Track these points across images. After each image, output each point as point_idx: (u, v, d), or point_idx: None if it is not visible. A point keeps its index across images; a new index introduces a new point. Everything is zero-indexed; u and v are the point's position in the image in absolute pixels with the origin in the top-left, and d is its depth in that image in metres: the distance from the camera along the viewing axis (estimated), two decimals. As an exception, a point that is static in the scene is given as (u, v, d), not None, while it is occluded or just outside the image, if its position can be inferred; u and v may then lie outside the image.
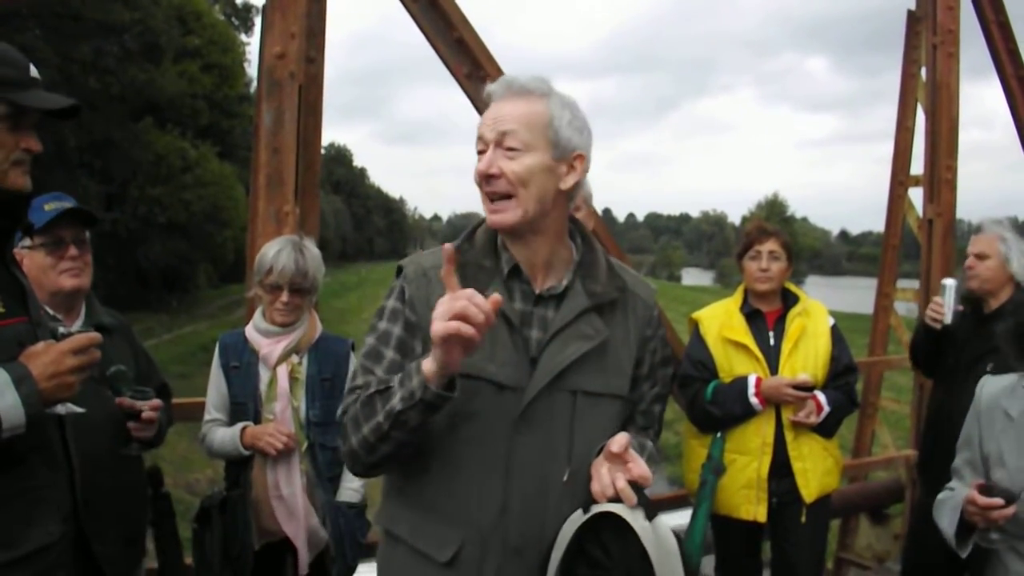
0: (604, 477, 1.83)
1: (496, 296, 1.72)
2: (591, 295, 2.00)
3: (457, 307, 1.68)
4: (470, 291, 1.71)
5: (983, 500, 2.35)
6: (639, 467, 1.84)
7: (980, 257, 3.94)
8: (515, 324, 1.95)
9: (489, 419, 1.92)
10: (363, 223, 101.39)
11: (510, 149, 1.90)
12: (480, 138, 1.95)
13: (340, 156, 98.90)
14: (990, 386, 2.62)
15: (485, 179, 1.92)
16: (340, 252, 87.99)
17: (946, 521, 2.56)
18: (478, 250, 2.01)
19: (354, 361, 3.39)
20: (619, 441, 1.85)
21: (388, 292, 2.08)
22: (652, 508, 1.80)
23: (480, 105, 4.09)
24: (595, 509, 1.81)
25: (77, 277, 2.70)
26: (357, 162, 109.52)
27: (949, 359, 4.04)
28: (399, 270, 2.08)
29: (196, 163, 33.97)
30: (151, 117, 32.49)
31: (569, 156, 1.94)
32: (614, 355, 2.03)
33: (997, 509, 2.34)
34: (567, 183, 1.96)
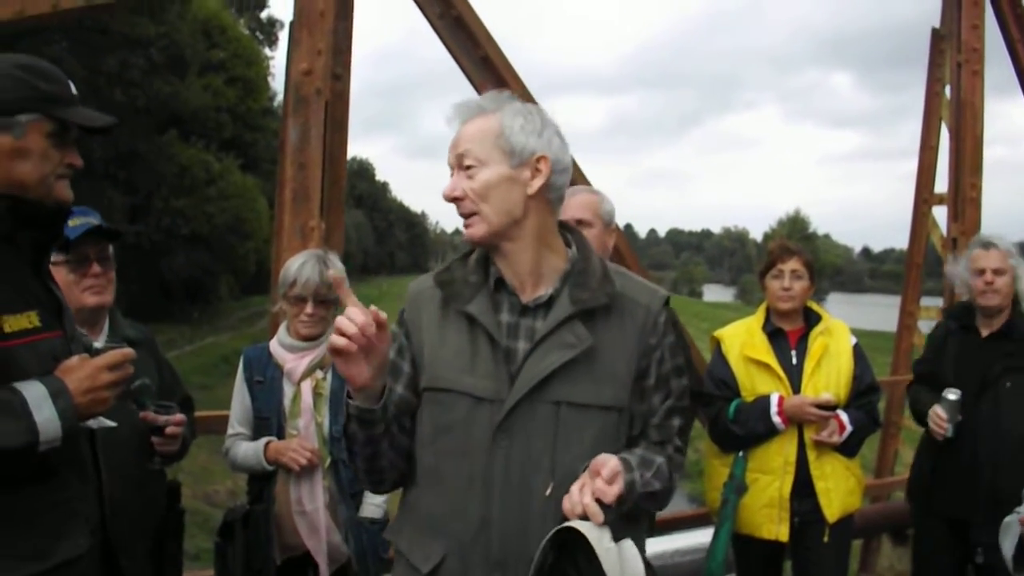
0: (574, 494, 1.78)
1: (375, 310, 1.80)
2: (575, 302, 1.97)
3: (336, 321, 1.79)
4: (353, 308, 1.80)
5: None
6: (601, 484, 1.78)
7: (998, 272, 3.85)
8: (495, 336, 1.95)
9: (468, 431, 1.95)
10: (385, 237, 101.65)
11: (468, 168, 1.95)
12: (449, 164, 2.01)
13: (362, 170, 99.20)
14: None
15: (452, 202, 1.99)
16: (362, 266, 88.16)
17: (1008, 544, 2.50)
18: (470, 267, 2.05)
19: None
20: (600, 459, 1.83)
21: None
22: (621, 529, 1.77)
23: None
24: (562, 526, 1.77)
25: (100, 295, 2.71)
26: (379, 176, 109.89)
27: (942, 375, 3.96)
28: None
29: (219, 175, 34.16)
30: (175, 130, 32.72)
31: (529, 160, 1.95)
32: (605, 364, 1.97)
33: None
34: (533, 187, 1.96)
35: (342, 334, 1.77)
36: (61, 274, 2.65)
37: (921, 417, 3.96)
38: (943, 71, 6.54)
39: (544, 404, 1.93)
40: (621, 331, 2.01)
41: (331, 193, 3.73)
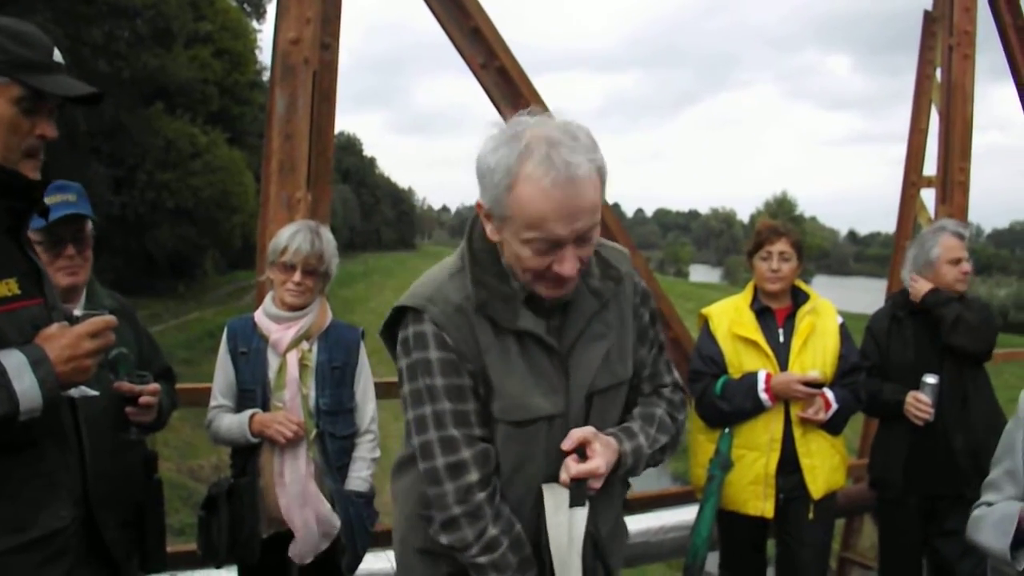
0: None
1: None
2: (596, 294, 1.97)
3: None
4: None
5: None
6: (570, 461, 1.88)
7: (968, 260, 3.98)
8: (552, 344, 1.92)
9: (547, 451, 1.93)
10: (371, 213, 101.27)
11: (587, 241, 1.80)
12: (545, 239, 1.75)
13: (349, 145, 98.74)
14: None
15: (561, 276, 1.80)
16: (348, 241, 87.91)
17: (991, 536, 2.47)
18: (492, 275, 1.91)
19: (364, 350, 3.39)
20: (573, 437, 1.89)
21: (414, 342, 1.92)
22: (582, 495, 1.87)
23: (494, 95, 4.10)
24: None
25: (73, 276, 2.67)
26: (367, 151, 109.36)
27: (900, 359, 4.04)
28: (411, 312, 1.93)
29: (206, 149, 33.99)
30: (161, 102, 32.50)
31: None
32: (617, 344, 2.01)
33: None
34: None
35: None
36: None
37: (887, 408, 4.01)
38: (934, 54, 6.51)
39: (583, 401, 1.97)
40: (621, 307, 2.04)
41: (318, 164, 3.69)
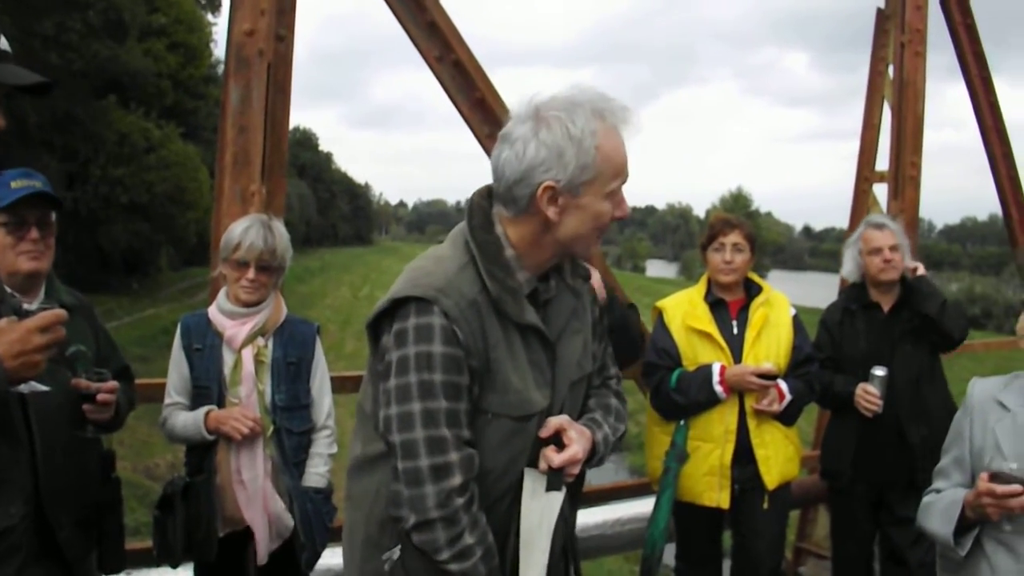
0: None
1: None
2: (572, 291, 2.03)
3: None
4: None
5: (1002, 488, 2.27)
6: (549, 451, 1.93)
7: (893, 250, 4.05)
8: (551, 338, 1.96)
9: (535, 445, 1.96)
10: (328, 208, 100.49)
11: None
12: (623, 181, 1.93)
13: (305, 139, 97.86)
14: (982, 384, 2.60)
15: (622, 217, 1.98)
16: (304, 237, 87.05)
17: (937, 522, 2.52)
18: (499, 268, 1.89)
19: (319, 345, 3.36)
20: (550, 425, 1.94)
21: (416, 333, 1.84)
22: (558, 481, 1.93)
23: (450, 88, 4.08)
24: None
25: (36, 260, 2.62)
26: (323, 146, 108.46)
27: (852, 351, 4.14)
28: (416, 303, 1.86)
29: (160, 143, 33.47)
30: (115, 95, 31.99)
31: None
32: (585, 339, 2.07)
33: (1015, 496, 2.26)
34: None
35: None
36: None
37: (837, 399, 4.08)
38: (887, 51, 6.58)
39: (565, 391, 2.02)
40: (585, 304, 2.10)
41: (272, 157, 3.64)
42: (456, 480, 1.82)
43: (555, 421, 1.94)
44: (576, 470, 1.95)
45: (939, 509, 2.54)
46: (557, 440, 1.94)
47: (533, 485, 1.91)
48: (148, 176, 32.44)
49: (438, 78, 4.07)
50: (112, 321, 26.65)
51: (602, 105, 1.85)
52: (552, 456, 1.91)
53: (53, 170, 27.65)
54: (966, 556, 2.44)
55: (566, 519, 1.94)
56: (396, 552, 1.94)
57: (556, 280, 2.01)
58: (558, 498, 1.91)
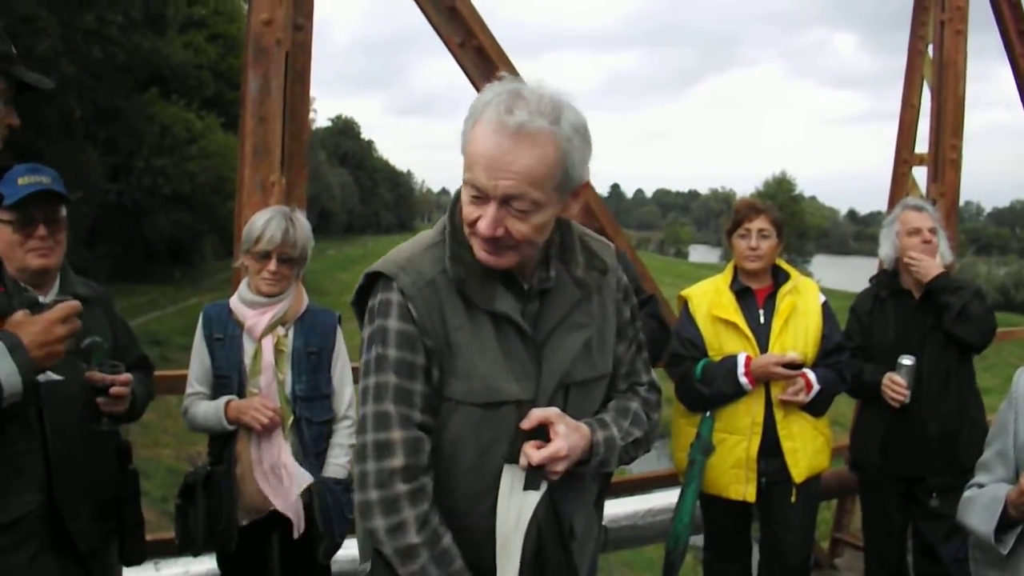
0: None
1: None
2: (580, 285, 1.92)
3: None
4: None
5: None
6: (528, 447, 1.80)
7: (933, 232, 3.96)
8: (527, 329, 1.86)
9: (510, 436, 1.85)
10: (370, 196, 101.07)
11: (519, 211, 1.73)
12: (472, 183, 1.73)
13: (347, 128, 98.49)
14: None
15: (491, 239, 1.76)
16: (346, 225, 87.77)
17: (978, 519, 2.43)
18: (472, 251, 1.83)
19: (340, 335, 3.35)
20: (532, 416, 1.82)
21: (379, 309, 1.85)
22: (537, 479, 1.80)
23: (472, 75, 4.04)
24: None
25: (45, 257, 2.63)
26: (366, 134, 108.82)
27: (881, 339, 4.04)
28: (380, 278, 1.87)
29: (201, 134, 33.90)
30: (156, 87, 32.38)
31: (577, 189, 1.82)
32: (598, 337, 1.97)
33: None
34: (573, 211, 1.89)
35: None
36: (6, 233, 2.59)
37: (866, 389, 3.98)
38: (926, 30, 6.44)
39: (559, 390, 1.90)
40: (603, 300, 2.00)
41: (292, 147, 3.63)
42: (397, 461, 1.78)
43: (539, 413, 1.82)
44: (560, 468, 1.80)
45: (980, 505, 2.45)
46: (546, 436, 1.82)
47: (511, 482, 1.81)
48: (190, 166, 32.86)
49: (460, 64, 4.03)
50: (156, 311, 27.07)
51: (507, 100, 1.70)
52: (532, 452, 1.79)
53: (96, 163, 28.10)
54: (1008, 554, 2.36)
55: (541, 523, 1.79)
56: (368, 566, 1.95)
57: (559, 271, 1.91)
58: (534, 498, 1.80)
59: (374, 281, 1.88)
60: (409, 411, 1.81)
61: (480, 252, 1.80)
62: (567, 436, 1.81)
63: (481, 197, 1.73)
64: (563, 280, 1.91)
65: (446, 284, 1.83)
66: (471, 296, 1.82)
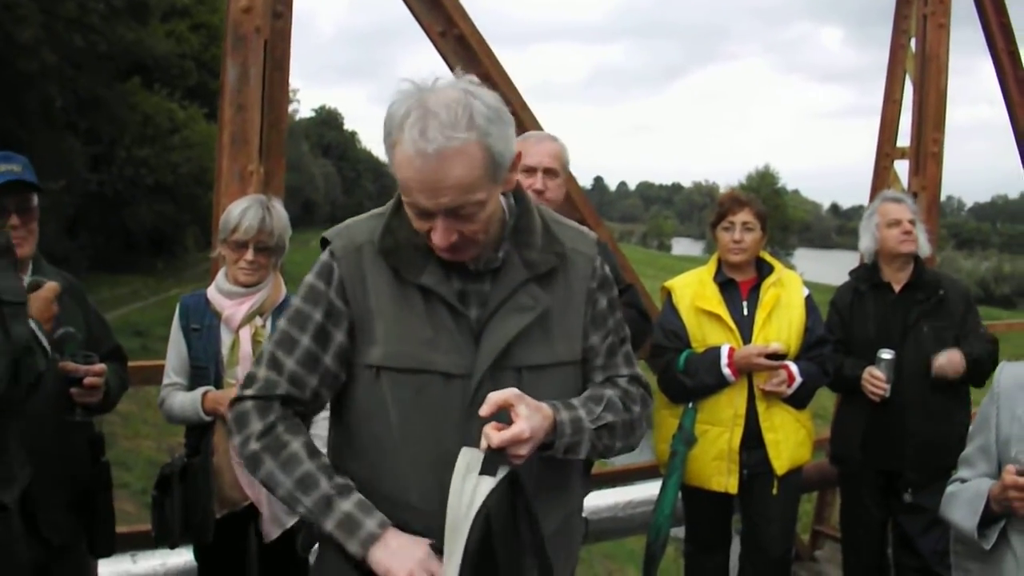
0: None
1: None
2: (528, 265, 1.88)
3: None
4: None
5: None
6: (488, 428, 1.72)
7: (912, 223, 3.98)
8: (455, 306, 1.83)
9: (442, 410, 1.82)
10: (353, 187, 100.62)
11: (467, 215, 1.73)
12: (413, 205, 1.75)
13: (331, 119, 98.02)
14: (1010, 369, 2.50)
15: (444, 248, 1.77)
16: (329, 216, 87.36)
17: (961, 514, 2.43)
18: (409, 227, 1.84)
19: None
20: (491, 400, 1.73)
21: (313, 267, 1.92)
22: (494, 465, 1.71)
23: (454, 64, 4.01)
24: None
25: (18, 247, 2.55)
26: (349, 125, 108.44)
27: (861, 333, 4.05)
28: (324, 243, 1.94)
29: (184, 124, 33.70)
30: (138, 77, 32.17)
31: (512, 164, 1.81)
32: (559, 322, 1.92)
33: None
34: (512, 183, 1.87)
35: None
36: None
37: (846, 382, 4.00)
38: (909, 23, 6.45)
39: (507, 372, 1.84)
40: (569, 286, 1.95)
41: (271, 136, 3.59)
42: (252, 390, 1.90)
43: (497, 396, 1.73)
44: (523, 451, 1.73)
45: (963, 500, 2.44)
46: (508, 420, 1.74)
47: (466, 465, 1.71)
48: (172, 157, 32.68)
49: (441, 53, 4.00)
50: (138, 301, 26.91)
51: (418, 119, 1.68)
52: (492, 434, 1.70)
53: (78, 152, 27.90)
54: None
55: (491, 512, 1.68)
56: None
57: (508, 252, 1.88)
58: (488, 485, 1.69)
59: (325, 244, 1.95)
60: (285, 357, 1.88)
61: (442, 255, 1.81)
62: (529, 418, 1.74)
63: (426, 214, 1.74)
64: (512, 261, 1.88)
65: (372, 252, 1.87)
66: (399, 267, 1.84)
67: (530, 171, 3.21)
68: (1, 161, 2.57)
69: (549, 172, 3.22)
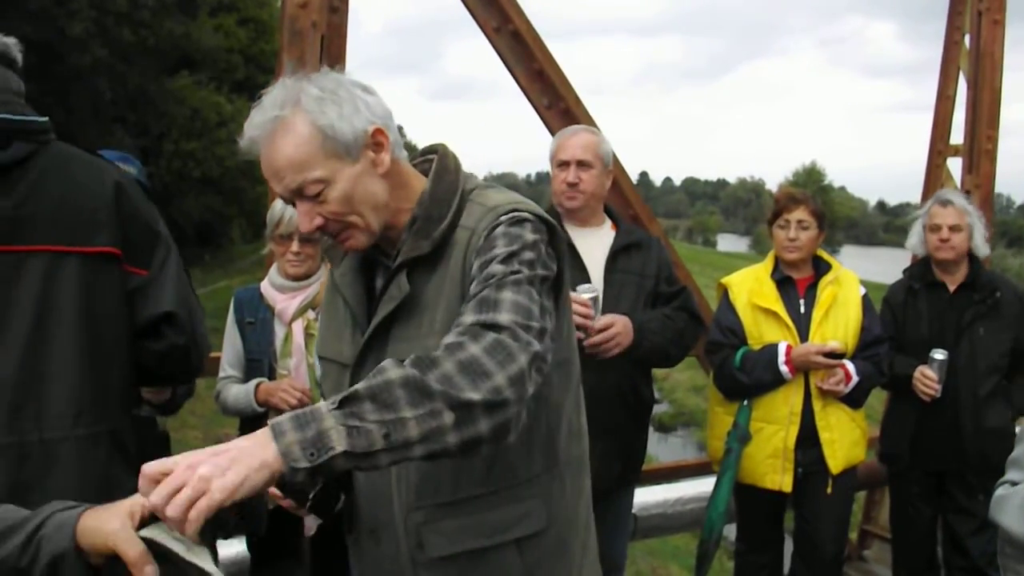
0: None
1: None
2: (403, 254, 1.76)
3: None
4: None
5: None
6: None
7: (954, 229, 3.90)
8: (347, 299, 1.87)
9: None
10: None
11: (314, 195, 1.69)
12: (282, 197, 1.77)
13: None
14: None
15: (318, 231, 1.75)
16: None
17: (1012, 518, 2.36)
18: None
19: None
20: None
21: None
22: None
23: (508, 59, 4.01)
24: None
25: None
26: (397, 119, 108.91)
27: (914, 332, 4.01)
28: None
29: (231, 118, 33.95)
30: (187, 71, 32.52)
31: (366, 141, 1.71)
32: (431, 310, 1.74)
33: None
34: (385, 163, 1.75)
35: None
36: None
37: (897, 381, 3.95)
38: (963, 19, 6.34)
39: (374, 363, 1.70)
40: (445, 269, 1.75)
41: (326, 131, 3.61)
42: None
43: (154, 466, 1.32)
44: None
45: (1015, 505, 2.38)
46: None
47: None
48: (219, 150, 32.93)
49: (496, 49, 3.99)
50: (185, 293, 27.14)
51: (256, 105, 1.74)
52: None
53: (126, 146, 28.25)
54: None
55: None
56: None
57: (405, 240, 1.78)
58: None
59: None
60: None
61: (340, 246, 1.85)
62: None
63: (290, 201, 1.75)
64: (401, 251, 1.80)
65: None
66: (331, 262, 1.96)
67: (563, 165, 3.20)
68: (121, 162, 2.59)
69: (583, 164, 3.19)
